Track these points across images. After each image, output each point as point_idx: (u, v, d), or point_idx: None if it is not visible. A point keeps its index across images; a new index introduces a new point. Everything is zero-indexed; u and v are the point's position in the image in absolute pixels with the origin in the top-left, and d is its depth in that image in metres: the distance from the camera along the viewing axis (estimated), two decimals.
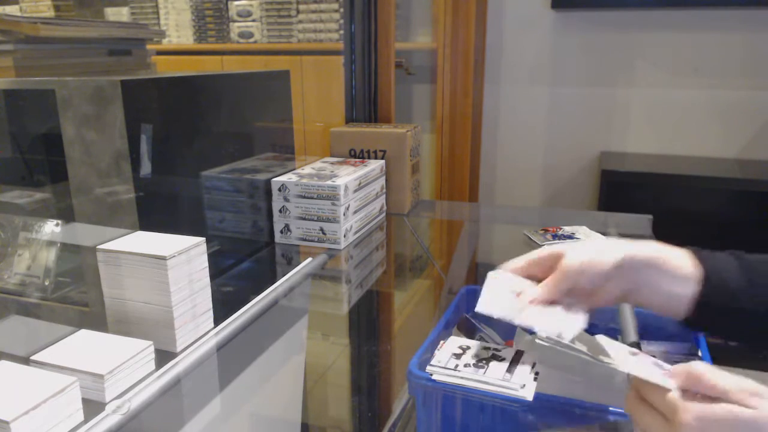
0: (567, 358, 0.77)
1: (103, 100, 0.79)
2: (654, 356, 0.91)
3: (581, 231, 1.25)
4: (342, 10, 1.81)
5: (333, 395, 1.24)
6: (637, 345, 0.77)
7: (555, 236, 1.24)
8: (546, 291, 0.65)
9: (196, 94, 0.97)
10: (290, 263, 1.13)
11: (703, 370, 0.50)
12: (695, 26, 2.22)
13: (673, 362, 0.92)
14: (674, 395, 0.50)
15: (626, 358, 0.58)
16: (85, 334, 0.67)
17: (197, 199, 0.99)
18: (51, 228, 0.98)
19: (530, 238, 1.24)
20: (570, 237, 1.23)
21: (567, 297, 0.66)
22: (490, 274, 0.70)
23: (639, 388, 0.54)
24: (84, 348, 0.64)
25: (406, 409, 1.00)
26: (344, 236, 1.14)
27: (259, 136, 1.16)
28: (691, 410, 0.48)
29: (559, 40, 2.39)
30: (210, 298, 0.76)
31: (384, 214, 1.38)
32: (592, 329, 0.95)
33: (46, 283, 0.95)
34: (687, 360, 0.90)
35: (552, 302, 0.66)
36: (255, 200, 1.14)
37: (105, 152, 0.81)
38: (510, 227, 1.52)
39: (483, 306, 0.67)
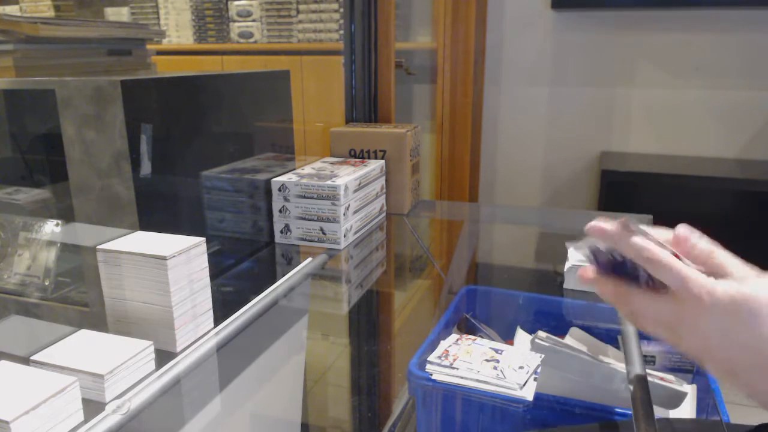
0: (567, 358, 0.77)
1: (103, 100, 0.79)
2: (653, 357, 0.91)
3: None
4: (342, 10, 1.81)
5: (333, 395, 1.23)
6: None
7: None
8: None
9: (196, 94, 0.97)
10: (290, 263, 1.13)
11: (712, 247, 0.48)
12: (695, 26, 2.21)
13: (672, 362, 0.92)
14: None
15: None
16: (85, 334, 0.67)
17: (197, 199, 0.99)
18: (51, 228, 0.98)
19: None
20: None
21: None
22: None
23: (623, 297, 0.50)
24: (84, 348, 0.64)
25: (406, 409, 1.00)
26: (344, 236, 1.14)
27: (259, 136, 1.16)
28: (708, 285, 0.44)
29: (559, 40, 2.39)
30: (210, 298, 0.76)
31: (384, 214, 1.38)
32: (591, 329, 0.95)
33: (46, 283, 0.95)
34: (686, 359, 0.90)
35: None
36: (255, 200, 1.14)
37: (105, 152, 0.81)
38: (510, 227, 1.52)
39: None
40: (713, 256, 0.48)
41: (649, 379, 0.61)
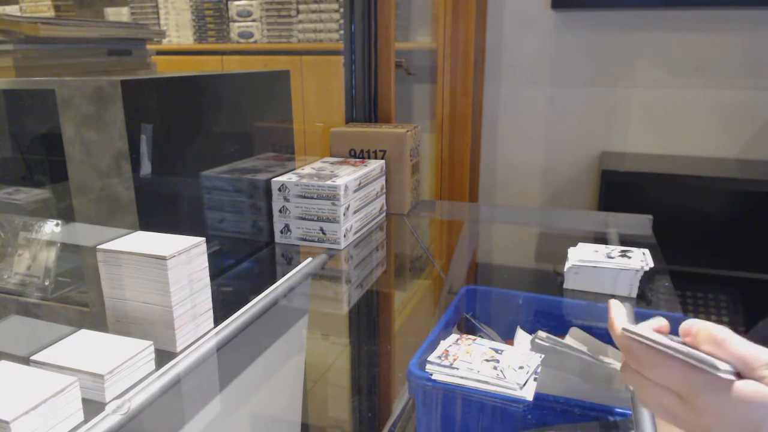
0: (567, 358, 0.77)
1: (103, 100, 0.79)
2: None
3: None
4: (342, 10, 1.81)
5: (333, 395, 1.23)
6: None
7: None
8: None
9: (196, 94, 0.97)
10: (290, 263, 1.13)
11: (725, 335, 0.45)
12: (695, 26, 2.21)
13: None
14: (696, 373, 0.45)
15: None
16: (85, 334, 0.67)
17: (197, 199, 0.99)
18: (51, 228, 0.98)
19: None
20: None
21: None
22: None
23: (640, 358, 0.48)
24: (84, 348, 0.64)
25: (406, 409, 1.00)
26: (344, 236, 1.14)
27: (259, 136, 1.16)
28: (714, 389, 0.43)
29: (559, 40, 2.39)
30: (210, 298, 0.76)
31: (384, 214, 1.38)
32: (591, 329, 0.95)
33: (46, 283, 0.95)
34: None
35: None
36: (255, 200, 1.14)
37: (105, 152, 0.82)
38: (510, 227, 1.52)
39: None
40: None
41: None
